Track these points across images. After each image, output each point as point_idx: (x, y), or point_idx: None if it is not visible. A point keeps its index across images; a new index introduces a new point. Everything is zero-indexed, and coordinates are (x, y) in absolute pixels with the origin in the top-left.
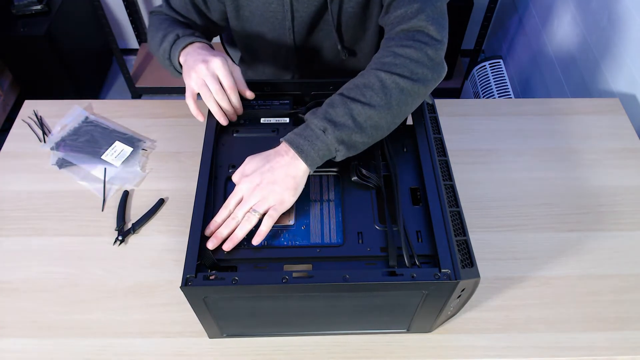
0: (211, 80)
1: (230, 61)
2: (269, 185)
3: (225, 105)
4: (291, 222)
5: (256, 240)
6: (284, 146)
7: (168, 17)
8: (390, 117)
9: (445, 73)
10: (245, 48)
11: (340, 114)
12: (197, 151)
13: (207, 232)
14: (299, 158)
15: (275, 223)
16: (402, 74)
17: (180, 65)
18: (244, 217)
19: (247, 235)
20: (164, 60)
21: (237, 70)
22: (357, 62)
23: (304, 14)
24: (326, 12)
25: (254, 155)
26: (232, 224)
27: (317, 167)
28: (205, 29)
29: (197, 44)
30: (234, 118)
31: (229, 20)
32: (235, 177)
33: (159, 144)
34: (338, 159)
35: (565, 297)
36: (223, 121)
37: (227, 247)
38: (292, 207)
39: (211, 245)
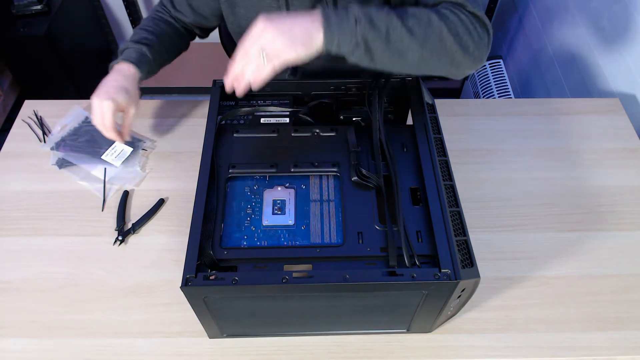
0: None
1: (113, 103)
2: (285, 30)
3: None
4: (291, 216)
5: (254, 86)
6: (316, 13)
7: (159, 12)
8: (419, 55)
9: (481, 65)
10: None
11: (380, 18)
12: (197, 151)
13: (226, 78)
14: (322, 29)
15: None
16: (450, 29)
17: None
18: (254, 56)
19: (247, 234)
20: None
21: (128, 112)
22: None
23: (299, 7)
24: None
25: None
26: (243, 62)
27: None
28: (198, 24)
29: (119, 66)
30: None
31: (225, 18)
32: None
33: (159, 144)
34: (351, 60)
35: (565, 297)
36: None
37: (238, 91)
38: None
39: (227, 85)
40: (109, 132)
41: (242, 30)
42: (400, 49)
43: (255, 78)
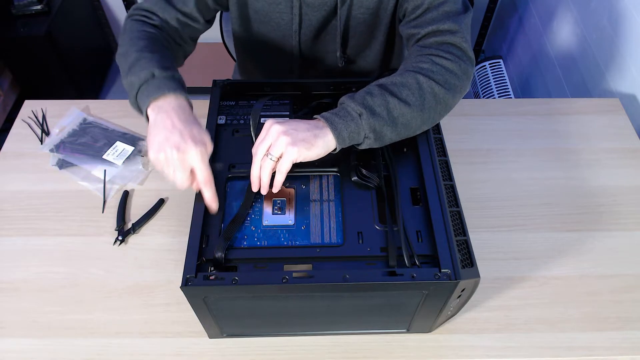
0: (183, 173)
1: (206, 148)
2: (291, 131)
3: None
4: (291, 216)
5: (275, 189)
6: (318, 120)
7: (144, 24)
8: (420, 119)
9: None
10: (245, 50)
11: (377, 103)
12: None
13: (252, 183)
14: (331, 133)
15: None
16: (438, 81)
17: (147, 117)
18: (262, 158)
19: (247, 234)
20: (129, 94)
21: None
22: (360, 71)
23: (312, 17)
24: (335, 18)
25: None
26: (256, 165)
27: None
28: (182, 29)
29: (172, 101)
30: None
31: (232, 21)
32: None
33: None
34: (363, 147)
35: (565, 297)
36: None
37: (263, 191)
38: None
39: (254, 188)
40: (211, 184)
41: (247, 33)
42: (404, 122)
43: (276, 186)
